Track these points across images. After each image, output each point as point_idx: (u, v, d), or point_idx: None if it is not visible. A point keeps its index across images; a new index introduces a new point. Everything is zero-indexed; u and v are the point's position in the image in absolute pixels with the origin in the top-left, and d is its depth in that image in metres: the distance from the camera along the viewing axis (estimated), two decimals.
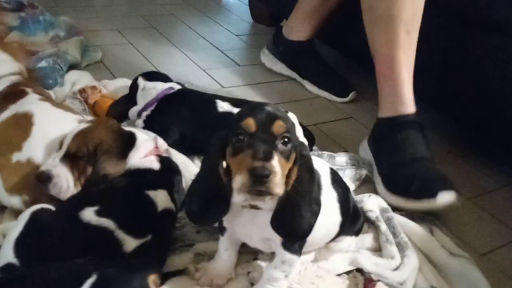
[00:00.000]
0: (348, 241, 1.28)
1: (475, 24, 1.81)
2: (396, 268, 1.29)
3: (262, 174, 0.84)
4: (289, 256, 1.06)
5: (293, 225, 0.98)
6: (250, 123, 0.91)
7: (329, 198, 1.14)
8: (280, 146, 0.91)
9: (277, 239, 1.05)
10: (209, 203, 0.99)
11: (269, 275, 1.09)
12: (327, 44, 2.66)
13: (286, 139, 0.92)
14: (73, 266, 0.98)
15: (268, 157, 0.87)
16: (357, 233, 1.31)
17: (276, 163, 0.87)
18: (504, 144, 1.93)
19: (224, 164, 0.97)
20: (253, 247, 1.15)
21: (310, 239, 1.06)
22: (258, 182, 0.84)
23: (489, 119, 1.86)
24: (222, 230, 1.15)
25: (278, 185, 0.87)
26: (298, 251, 1.07)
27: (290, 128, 0.94)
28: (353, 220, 1.26)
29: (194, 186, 1.05)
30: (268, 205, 0.98)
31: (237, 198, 0.96)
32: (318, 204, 1.01)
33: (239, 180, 0.86)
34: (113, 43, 2.58)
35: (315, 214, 1.00)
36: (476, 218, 1.66)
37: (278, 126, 0.92)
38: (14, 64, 1.55)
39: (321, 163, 1.21)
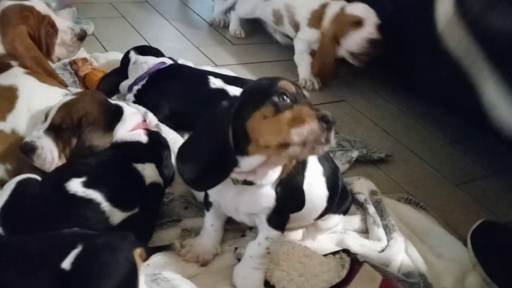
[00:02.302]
0: (335, 219, 1.29)
1: None
2: (382, 250, 1.30)
3: (333, 120, 0.87)
4: (273, 232, 1.07)
5: (296, 200, 1.03)
6: (289, 84, 0.92)
7: (314, 172, 1.14)
8: None
9: (262, 215, 1.06)
10: (209, 169, 0.96)
11: (252, 251, 1.10)
12: None
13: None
14: (58, 236, 0.97)
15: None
16: (344, 212, 1.32)
17: None
18: (492, 131, 1.94)
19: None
20: (239, 221, 1.15)
21: (294, 214, 1.08)
22: (329, 128, 0.86)
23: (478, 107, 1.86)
24: (207, 205, 1.16)
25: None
26: (281, 227, 1.08)
27: None
28: (341, 199, 1.26)
29: (191, 151, 1.01)
30: (264, 181, 0.99)
31: (245, 167, 0.95)
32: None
33: (303, 131, 0.86)
34: (106, 16, 2.54)
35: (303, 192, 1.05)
36: (463, 205, 1.67)
37: (303, 90, 0.95)
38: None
39: None
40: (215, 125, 0.96)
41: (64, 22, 1.59)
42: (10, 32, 1.42)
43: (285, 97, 0.90)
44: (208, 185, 0.99)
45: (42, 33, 1.50)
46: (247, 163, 0.94)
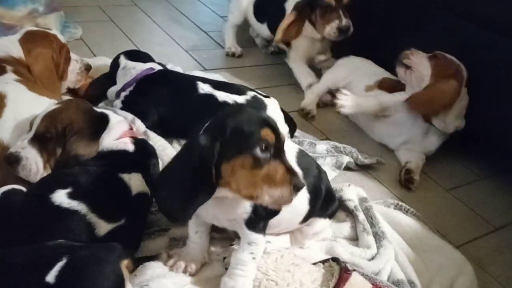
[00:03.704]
0: (321, 223, 1.28)
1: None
2: (372, 258, 1.29)
3: (303, 185, 0.93)
4: (254, 235, 1.07)
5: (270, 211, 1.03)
6: (270, 134, 0.94)
7: None
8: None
9: (240, 220, 1.06)
10: (189, 200, 0.98)
11: (237, 259, 1.09)
12: None
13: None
14: (42, 249, 0.95)
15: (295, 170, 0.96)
16: (330, 216, 1.31)
17: None
18: (483, 139, 1.94)
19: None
20: (221, 226, 1.16)
21: (276, 218, 1.07)
22: (295, 195, 0.93)
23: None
24: None
25: None
26: (262, 230, 1.08)
27: None
28: (326, 203, 1.26)
29: (171, 180, 1.02)
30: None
31: (217, 195, 0.97)
32: None
33: (275, 193, 0.92)
34: (94, 20, 2.52)
35: None
36: (453, 210, 1.67)
37: (283, 134, 0.98)
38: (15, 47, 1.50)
39: (289, 144, 1.23)
40: (196, 163, 0.96)
41: (73, 54, 1.73)
42: (35, 51, 1.51)
43: (265, 149, 0.93)
44: (188, 217, 1.05)
45: (62, 59, 1.64)
46: (217, 192, 0.97)
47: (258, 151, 0.92)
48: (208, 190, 0.96)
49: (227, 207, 1.03)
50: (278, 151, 0.95)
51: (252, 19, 2.44)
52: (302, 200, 1.18)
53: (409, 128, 1.83)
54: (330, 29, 2.07)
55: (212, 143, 0.94)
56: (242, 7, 2.42)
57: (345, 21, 2.05)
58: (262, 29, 2.43)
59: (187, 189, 0.97)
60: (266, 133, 0.94)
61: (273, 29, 2.25)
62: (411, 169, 1.76)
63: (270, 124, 0.96)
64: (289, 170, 0.93)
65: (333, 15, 2.06)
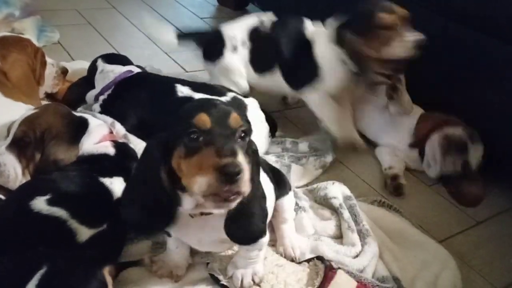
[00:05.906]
0: (287, 200, 1.25)
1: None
2: (357, 256, 1.29)
3: (234, 172, 0.76)
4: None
5: (248, 230, 0.95)
6: (204, 119, 0.82)
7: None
8: (239, 140, 0.84)
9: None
10: (150, 211, 0.91)
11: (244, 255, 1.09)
12: None
13: (244, 133, 0.85)
14: (23, 258, 0.94)
15: (234, 153, 0.79)
16: (289, 187, 1.27)
17: (242, 159, 0.80)
18: None
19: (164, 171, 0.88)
20: (204, 251, 1.13)
21: None
22: (229, 181, 0.76)
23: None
24: (168, 232, 1.05)
25: (246, 183, 0.79)
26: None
27: (246, 120, 0.88)
28: (279, 181, 1.22)
29: (131, 192, 0.96)
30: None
31: (187, 205, 0.89)
32: (265, 198, 0.98)
33: (203, 182, 0.77)
34: (72, 24, 2.49)
35: (266, 213, 0.99)
36: (435, 205, 1.68)
37: (234, 119, 0.85)
38: None
39: None
40: (148, 165, 0.89)
41: (49, 58, 1.73)
42: (11, 57, 1.51)
43: (196, 136, 0.82)
44: (155, 228, 0.94)
45: (38, 64, 1.63)
46: (188, 200, 0.88)
47: (187, 138, 0.82)
48: (164, 197, 0.87)
49: (216, 227, 0.94)
50: (215, 136, 0.81)
51: None
52: (270, 191, 1.13)
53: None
54: (403, 46, 1.54)
55: (160, 138, 0.88)
56: None
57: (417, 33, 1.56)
58: None
59: (143, 197, 0.91)
60: (200, 118, 0.82)
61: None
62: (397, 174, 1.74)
63: (207, 109, 0.84)
64: (220, 154, 0.78)
65: (395, 32, 1.56)
